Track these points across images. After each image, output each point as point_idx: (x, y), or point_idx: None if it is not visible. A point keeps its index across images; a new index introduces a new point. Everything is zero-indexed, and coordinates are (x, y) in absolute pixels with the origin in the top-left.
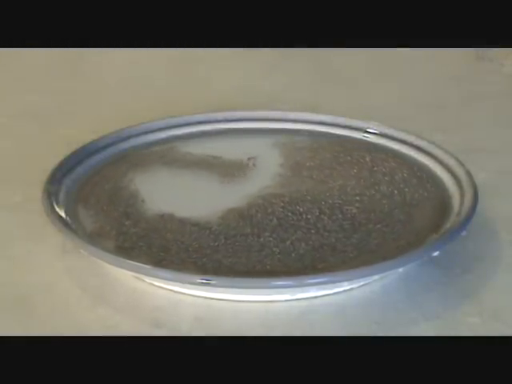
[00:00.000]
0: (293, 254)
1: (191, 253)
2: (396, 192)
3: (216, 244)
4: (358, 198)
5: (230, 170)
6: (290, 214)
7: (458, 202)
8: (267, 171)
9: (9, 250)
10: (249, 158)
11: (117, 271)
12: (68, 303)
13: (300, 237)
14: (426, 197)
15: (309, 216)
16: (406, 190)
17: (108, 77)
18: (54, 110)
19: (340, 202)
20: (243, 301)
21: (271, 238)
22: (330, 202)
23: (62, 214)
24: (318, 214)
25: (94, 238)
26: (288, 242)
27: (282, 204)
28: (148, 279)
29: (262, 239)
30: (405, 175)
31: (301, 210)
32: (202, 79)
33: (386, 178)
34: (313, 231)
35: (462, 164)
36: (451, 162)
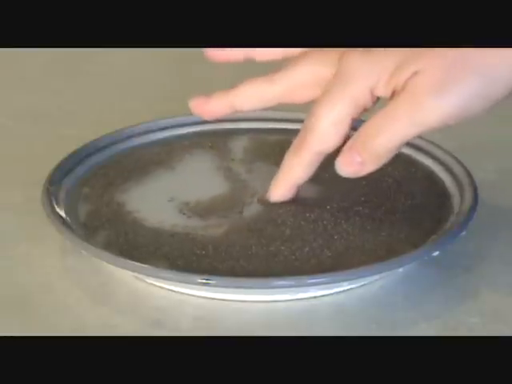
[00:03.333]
0: (312, 260)
1: (172, 260)
2: (384, 174)
3: (203, 252)
4: (363, 198)
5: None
6: (302, 222)
7: (457, 202)
8: (263, 177)
9: (9, 250)
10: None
11: (117, 271)
12: (68, 303)
13: (322, 243)
14: (412, 172)
15: (325, 222)
16: (389, 168)
17: (108, 77)
18: (54, 110)
19: (347, 204)
20: (243, 301)
21: (283, 247)
22: (337, 206)
23: (62, 214)
24: (333, 219)
25: (74, 200)
26: (306, 249)
27: (290, 213)
28: (148, 279)
29: (272, 248)
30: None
31: (312, 217)
32: (202, 79)
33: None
34: (336, 237)
35: (461, 163)
36: (451, 162)
